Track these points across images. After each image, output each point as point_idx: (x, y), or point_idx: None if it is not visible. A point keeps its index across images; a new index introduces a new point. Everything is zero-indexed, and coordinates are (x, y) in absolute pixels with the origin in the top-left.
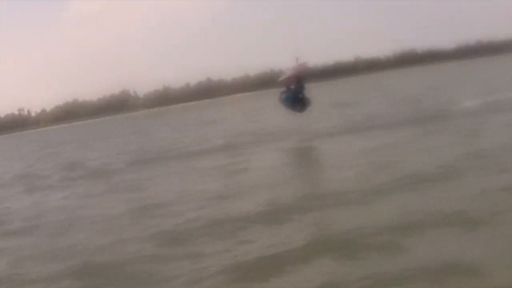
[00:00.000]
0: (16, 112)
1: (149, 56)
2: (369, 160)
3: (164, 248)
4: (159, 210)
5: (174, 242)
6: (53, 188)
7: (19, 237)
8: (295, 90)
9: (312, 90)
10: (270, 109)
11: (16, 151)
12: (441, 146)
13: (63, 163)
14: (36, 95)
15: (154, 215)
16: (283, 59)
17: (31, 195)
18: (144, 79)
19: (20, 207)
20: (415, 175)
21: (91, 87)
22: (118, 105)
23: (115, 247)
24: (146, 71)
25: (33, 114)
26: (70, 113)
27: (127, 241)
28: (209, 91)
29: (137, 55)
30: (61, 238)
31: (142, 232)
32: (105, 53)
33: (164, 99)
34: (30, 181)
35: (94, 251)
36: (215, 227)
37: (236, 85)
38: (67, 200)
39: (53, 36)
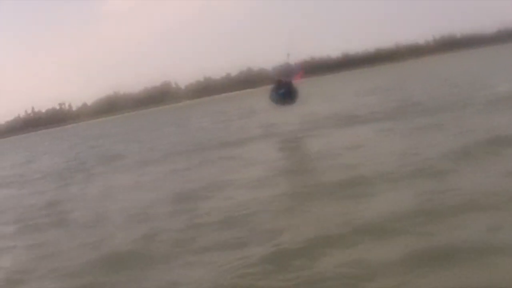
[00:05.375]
0: (57, 107)
1: (189, 47)
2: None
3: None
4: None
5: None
6: (90, 180)
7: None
8: (284, 86)
9: (352, 78)
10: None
11: (56, 146)
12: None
13: (101, 156)
14: (77, 89)
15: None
16: (325, 46)
17: (68, 188)
18: (184, 70)
19: (56, 199)
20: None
21: (132, 80)
22: (159, 97)
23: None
24: (187, 62)
25: (74, 108)
26: (111, 106)
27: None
28: (250, 80)
29: (177, 46)
30: (92, 230)
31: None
32: (144, 46)
33: (206, 89)
34: (69, 175)
35: (123, 243)
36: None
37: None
38: (103, 191)
39: (92, 30)
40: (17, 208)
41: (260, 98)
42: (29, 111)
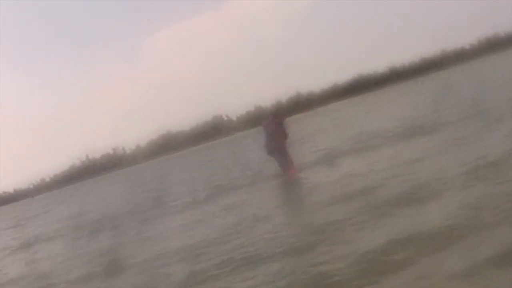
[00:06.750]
0: (111, 152)
1: (236, 77)
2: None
3: None
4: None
5: None
6: (143, 225)
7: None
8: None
9: (402, 90)
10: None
11: (111, 192)
12: None
13: (155, 200)
14: (130, 131)
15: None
16: (371, 64)
17: (122, 235)
18: (234, 101)
19: (109, 247)
20: None
21: (183, 117)
22: (212, 131)
23: None
24: (235, 93)
25: (128, 151)
26: (165, 145)
27: None
28: (301, 104)
29: (223, 78)
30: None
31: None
32: (191, 81)
33: (258, 118)
34: (122, 222)
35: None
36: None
37: (325, 96)
38: (155, 236)
39: (135, 71)
40: (72, 257)
41: (311, 120)
42: (84, 158)
